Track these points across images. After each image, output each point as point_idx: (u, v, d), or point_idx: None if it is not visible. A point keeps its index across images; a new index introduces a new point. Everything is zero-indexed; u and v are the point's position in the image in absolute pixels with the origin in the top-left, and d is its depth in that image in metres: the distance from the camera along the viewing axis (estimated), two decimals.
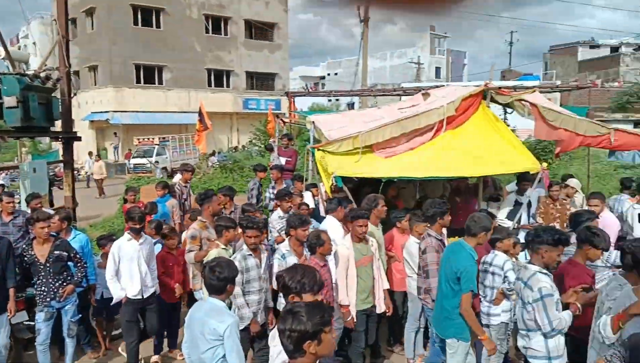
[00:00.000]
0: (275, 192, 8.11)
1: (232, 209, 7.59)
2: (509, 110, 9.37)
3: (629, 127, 25.01)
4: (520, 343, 4.19)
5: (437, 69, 54.66)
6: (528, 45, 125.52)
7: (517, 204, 7.62)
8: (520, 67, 53.12)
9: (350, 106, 38.43)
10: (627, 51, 46.40)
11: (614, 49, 47.97)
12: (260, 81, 39.33)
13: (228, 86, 37.80)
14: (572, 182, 8.59)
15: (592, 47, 49.64)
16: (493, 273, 4.98)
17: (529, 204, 7.84)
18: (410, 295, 5.80)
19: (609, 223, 6.16)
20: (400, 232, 6.03)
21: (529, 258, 5.75)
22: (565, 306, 4.02)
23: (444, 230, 5.53)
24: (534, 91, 8.29)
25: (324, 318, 2.43)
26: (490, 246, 5.19)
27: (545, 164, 6.58)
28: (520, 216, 7.42)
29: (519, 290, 4.14)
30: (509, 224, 7.13)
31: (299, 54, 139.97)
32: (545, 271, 4.04)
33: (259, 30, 38.63)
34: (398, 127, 7.19)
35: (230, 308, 5.19)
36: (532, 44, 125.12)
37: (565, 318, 3.90)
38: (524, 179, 7.52)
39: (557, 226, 7.90)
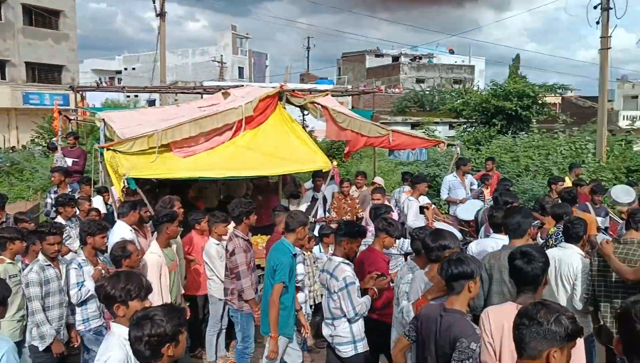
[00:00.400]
0: (56, 197, 7.25)
1: (3, 219, 6.57)
2: (306, 111, 9.87)
3: (407, 129, 28.47)
4: (326, 332, 4.36)
5: (240, 69, 55.20)
6: (324, 50, 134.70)
7: (314, 200, 8.06)
8: (317, 71, 56.66)
9: (151, 103, 36.59)
10: (405, 60, 52.67)
11: (395, 59, 54.01)
12: (44, 73, 35.04)
13: (4, 78, 32.86)
14: (378, 179, 9.57)
15: (377, 55, 55.14)
16: None
17: (325, 200, 8.35)
18: (212, 298, 5.69)
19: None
20: (199, 234, 5.87)
21: (322, 250, 6.12)
22: (364, 292, 4.33)
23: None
24: (327, 95, 8.88)
25: (181, 319, 2.47)
26: None
27: (335, 163, 7.08)
28: (317, 211, 7.85)
29: (325, 281, 4.32)
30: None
31: (91, 45, 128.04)
32: (347, 261, 4.31)
33: (41, 18, 34.33)
34: (196, 126, 7.05)
35: (25, 328, 4.59)
36: (328, 50, 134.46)
37: (365, 302, 4.20)
38: (317, 176, 7.98)
39: (349, 218, 8.58)
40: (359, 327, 4.27)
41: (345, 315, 4.17)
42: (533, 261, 3.01)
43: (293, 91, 8.31)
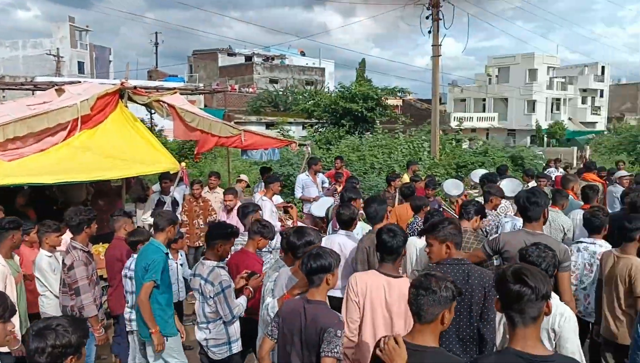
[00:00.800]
0: None
1: None
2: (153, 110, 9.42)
3: (262, 129, 28.63)
4: (201, 336, 4.27)
5: (81, 64, 50.80)
6: (175, 47, 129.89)
7: (161, 203, 7.71)
8: (166, 68, 54.40)
9: None
10: (258, 60, 52.92)
11: (248, 58, 54.00)
12: None
13: None
14: (243, 176, 9.71)
15: (230, 54, 54.59)
16: (131, 278, 4.87)
17: (175, 203, 8.03)
18: (45, 316, 5.15)
19: None
20: (28, 246, 5.26)
21: (171, 257, 5.88)
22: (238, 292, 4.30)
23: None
24: (175, 93, 8.54)
25: (85, 330, 2.43)
26: (132, 250, 5.07)
27: (184, 164, 6.83)
28: None
29: (199, 287, 4.19)
30: (151, 220, 7.23)
31: None
32: (222, 264, 4.25)
33: None
34: (24, 126, 6.36)
35: None
36: (178, 47, 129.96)
37: (242, 303, 4.21)
38: (165, 178, 7.66)
39: (201, 221, 8.37)
40: (235, 327, 4.27)
41: (221, 318, 4.14)
42: (397, 236, 3.56)
43: (135, 88, 7.84)
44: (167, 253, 4.57)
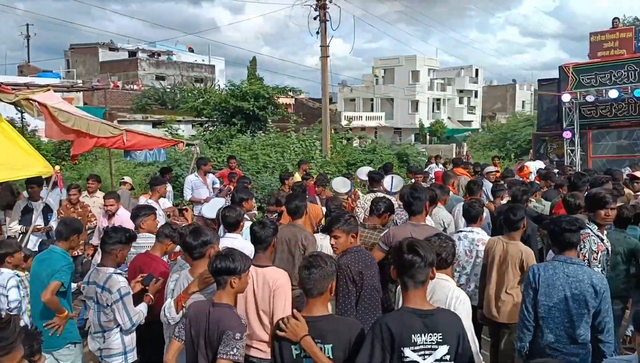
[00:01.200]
0: None
1: None
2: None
3: (149, 127, 27.42)
4: (94, 346, 4.13)
5: None
6: (49, 40, 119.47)
7: (28, 210, 7.09)
8: (40, 63, 50.16)
9: None
10: (143, 56, 50.54)
11: (132, 54, 51.33)
12: None
13: None
14: (127, 179, 9.48)
15: (111, 49, 51.49)
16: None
17: (48, 209, 7.41)
18: None
19: (124, 219, 6.43)
20: None
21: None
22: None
23: None
24: (48, 90, 7.93)
25: (33, 347, 2.32)
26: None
27: (58, 167, 6.34)
28: (34, 222, 6.95)
29: (95, 295, 4.03)
30: (17, 228, 6.90)
31: None
32: (119, 271, 4.10)
33: None
34: None
35: None
36: (53, 40, 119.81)
37: (142, 310, 4.09)
38: (32, 183, 7.05)
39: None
40: (132, 337, 4.12)
41: (118, 326, 3.98)
42: (265, 228, 3.80)
43: (1, 85, 7.11)
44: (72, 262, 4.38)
